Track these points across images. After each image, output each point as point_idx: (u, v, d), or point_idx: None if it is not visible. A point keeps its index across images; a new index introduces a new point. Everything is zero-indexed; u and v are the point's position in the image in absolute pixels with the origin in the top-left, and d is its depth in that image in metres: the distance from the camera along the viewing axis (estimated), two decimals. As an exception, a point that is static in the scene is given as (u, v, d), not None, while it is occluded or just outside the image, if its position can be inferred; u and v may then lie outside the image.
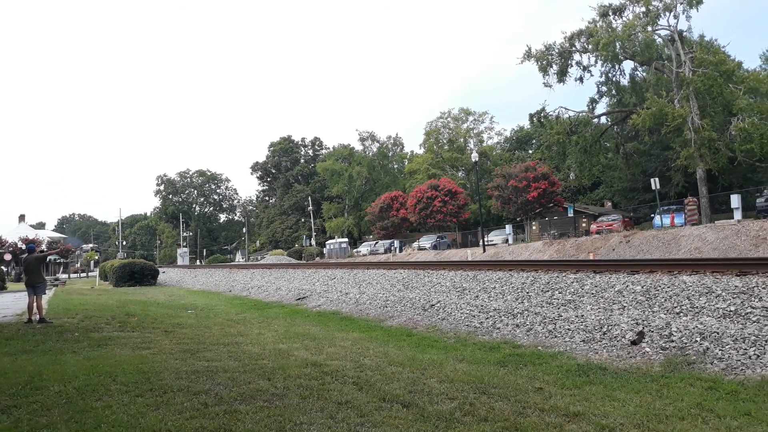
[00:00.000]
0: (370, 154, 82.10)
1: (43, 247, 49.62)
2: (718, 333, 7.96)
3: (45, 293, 14.31)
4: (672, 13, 37.37)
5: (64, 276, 51.51)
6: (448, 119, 74.61)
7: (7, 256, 51.40)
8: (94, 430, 4.80)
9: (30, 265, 14.02)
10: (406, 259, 41.52)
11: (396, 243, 57.06)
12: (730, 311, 8.57)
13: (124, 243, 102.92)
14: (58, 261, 57.49)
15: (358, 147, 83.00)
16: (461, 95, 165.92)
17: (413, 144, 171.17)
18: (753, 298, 8.69)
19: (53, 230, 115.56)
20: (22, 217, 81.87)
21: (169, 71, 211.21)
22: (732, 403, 5.66)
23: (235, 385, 6.49)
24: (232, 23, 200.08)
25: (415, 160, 76.07)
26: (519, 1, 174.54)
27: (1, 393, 6.10)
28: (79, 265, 67.68)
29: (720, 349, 7.55)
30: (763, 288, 8.90)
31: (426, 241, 51.85)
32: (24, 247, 43.20)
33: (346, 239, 70.88)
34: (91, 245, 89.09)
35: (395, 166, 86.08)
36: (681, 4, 36.97)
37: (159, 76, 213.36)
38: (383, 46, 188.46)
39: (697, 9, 36.81)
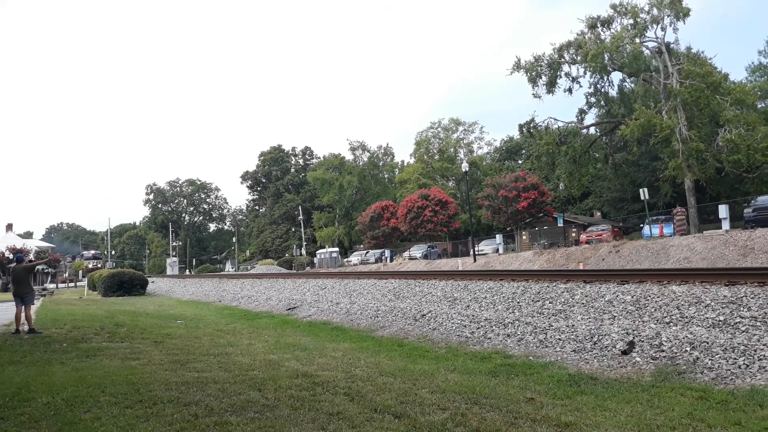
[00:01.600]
0: (361, 163, 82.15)
1: (31, 256, 49.11)
2: (707, 343, 8.00)
3: (33, 303, 14.17)
4: (659, 26, 37.90)
5: (52, 286, 50.99)
6: (439, 129, 74.96)
7: (-6, 266, 50.84)
8: (83, 442, 4.74)
9: (18, 275, 13.89)
10: (397, 268, 41.51)
11: (387, 252, 57.06)
12: (720, 321, 8.62)
13: (113, 252, 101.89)
14: (46, 271, 56.94)
15: (349, 156, 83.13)
16: (451, 104, 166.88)
17: (404, 153, 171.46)
18: (742, 308, 8.75)
19: (41, 239, 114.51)
20: (9, 226, 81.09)
21: (159, 81, 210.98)
22: (722, 413, 5.68)
23: (226, 396, 6.44)
24: (223, 33, 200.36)
25: (406, 170, 76.24)
26: (508, 10, 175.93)
27: (-12, 405, 6.03)
28: (67, 274, 67.00)
29: (710, 359, 7.59)
30: (752, 298, 8.97)
31: (417, 250, 51.88)
32: (11, 256, 42.78)
33: (337, 249, 70.80)
34: (93, 252, 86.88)
35: (386, 176, 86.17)
36: (668, 16, 37.48)
37: (149, 85, 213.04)
38: (372, 56, 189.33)
39: (684, 21, 37.38)
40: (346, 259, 63.55)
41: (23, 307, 13.37)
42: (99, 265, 73.05)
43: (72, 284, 58.73)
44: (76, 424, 5.26)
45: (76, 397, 6.32)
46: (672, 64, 36.47)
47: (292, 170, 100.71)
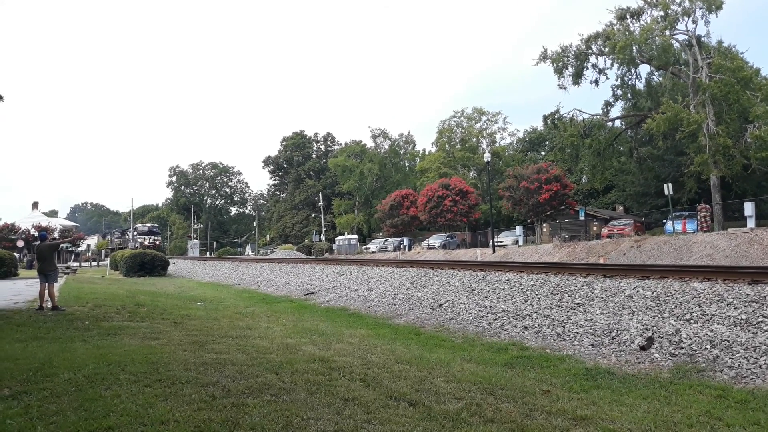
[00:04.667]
0: (382, 151, 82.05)
1: (56, 234, 49.93)
2: (728, 341, 7.90)
3: (57, 281, 14.41)
4: (690, 18, 37.16)
5: (75, 264, 51.80)
6: (462, 118, 74.47)
7: (20, 243, 51.89)
8: (102, 418, 4.82)
9: (42, 252, 14.14)
10: (415, 257, 41.52)
11: (405, 241, 57.08)
12: (742, 320, 8.50)
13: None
14: (70, 249, 57.75)
15: (370, 144, 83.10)
16: (474, 93, 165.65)
17: (425, 142, 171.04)
18: (765, 307, 8.62)
19: (65, 218, 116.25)
20: (35, 205, 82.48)
21: (184, 63, 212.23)
22: (741, 412, 5.62)
23: (243, 378, 6.51)
24: (248, 18, 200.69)
25: (427, 159, 76.05)
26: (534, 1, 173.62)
27: (11, 379, 6.16)
28: (90, 253, 67.87)
29: (730, 358, 7.50)
30: (776, 297, 8.82)
31: (435, 240, 51.82)
32: (36, 234, 43.56)
33: (356, 236, 70.98)
34: (149, 225, 69.08)
35: (406, 164, 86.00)
36: (700, 8, 36.74)
37: (174, 68, 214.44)
38: (396, 42, 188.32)
39: (716, 14, 36.62)
40: (364, 247, 63.73)
41: (47, 284, 13.61)
42: (157, 242, 60.99)
43: (95, 263, 59.61)
44: (97, 401, 5.35)
45: (97, 374, 6.42)
46: (702, 57, 35.75)
47: (314, 156, 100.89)
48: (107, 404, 5.25)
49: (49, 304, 13.32)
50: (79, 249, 61.72)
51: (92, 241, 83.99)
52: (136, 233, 62.07)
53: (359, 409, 5.38)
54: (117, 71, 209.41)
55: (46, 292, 13.55)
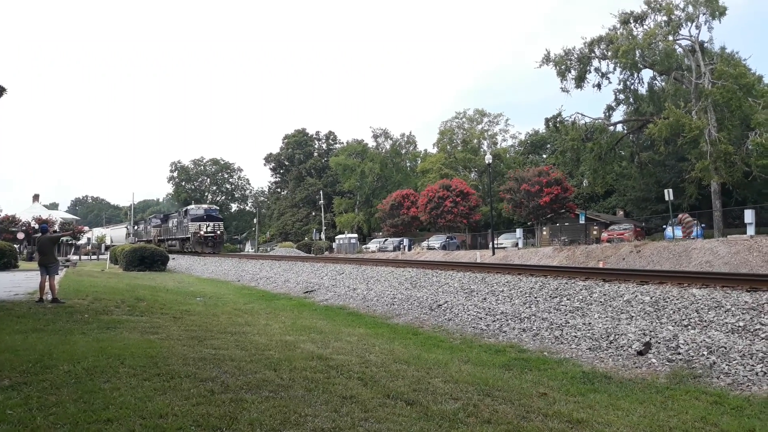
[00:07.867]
0: (383, 151, 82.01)
1: (56, 227, 49.84)
2: (725, 348, 7.93)
3: (57, 273, 14.44)
4: (694, 24, 37.26)
5: (75, 257, 51.73)
6: (463, 120, 74.50)
7: (20, 235, 51.86)
8: (102, 410, 4.85)
9: (43, 245, 14.17)
10: (415, 257, 41.51)
11: (405, 241, 57.07)
12: (739, 327, 8.53)
13: (135, 227, 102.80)
14: (70, 242, 57.67)
15: (372, 143, 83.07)
16: (476, 94, 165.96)
17: (426, 142, 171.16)
18: (763, 315, 8.65)
19: (66, 211, 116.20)
20: (36, 197, 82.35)
21: (187, 59, 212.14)
22: (737, 419, 5.65)
23: (242, 374, 6.54)
24: (251, 15, 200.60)
25: (428, 159, 76.02)
26: (537, 0, 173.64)
27: (12, 370, 6.19)
28: (90, 247, 67.72)
29: (727, 364, 7.53)
30: (774, 305, 8.85)
31: (435, 240, 51.82)
32: (37, 226, 43.48)
33: (356, 235, 70.96)
34: (204, 207, 54.04)
35: (408, 164, 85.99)
36: (703, 14, 36.84)
37: (177, 63, 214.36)
38: (399, 42, 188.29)
39: (720, 20, 36.68)
40: (364, 246, 63.72)
41: (47, 276, 13.63)
42: (219, 232, 49.96)
43: (94, 257, 59.55)
44: (96, 393, 5.39)
45: (97, 367, 6.45)
46: (705, 63, 35.81)
47: (315, 154, 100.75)
48: (106, 397, 5.28)
49: (49, 297, 13.35)
50: (79, 242, 61.59)
51: (117, 232, 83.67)
52: (187, 219, 50.89)
53: (357, 407, 5.40)
54: (119, 66, 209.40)
55: (47, 284, 13.58)
